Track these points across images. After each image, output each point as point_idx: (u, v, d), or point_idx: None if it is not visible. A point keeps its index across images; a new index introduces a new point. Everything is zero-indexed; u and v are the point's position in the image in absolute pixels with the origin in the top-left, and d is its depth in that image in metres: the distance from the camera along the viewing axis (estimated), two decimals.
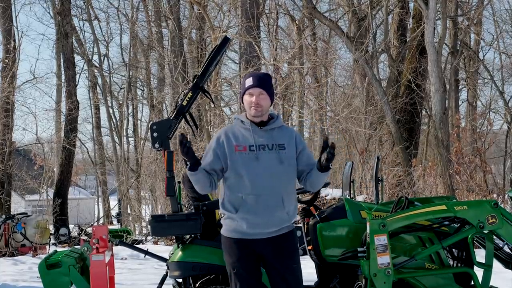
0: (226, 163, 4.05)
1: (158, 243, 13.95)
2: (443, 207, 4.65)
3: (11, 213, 15.96)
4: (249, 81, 4.11)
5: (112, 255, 5.55)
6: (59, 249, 9.86)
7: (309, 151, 4.22)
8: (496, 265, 4.90)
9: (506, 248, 5.06)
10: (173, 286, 5.13)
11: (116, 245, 5.73)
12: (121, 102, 30.54)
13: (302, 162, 4.10)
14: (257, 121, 4.11)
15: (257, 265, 4.09)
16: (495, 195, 13.69)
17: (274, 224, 4.02)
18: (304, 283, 4.19)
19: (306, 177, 4.10)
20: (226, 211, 4.10)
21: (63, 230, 16.85)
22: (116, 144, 28.62)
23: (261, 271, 4.13)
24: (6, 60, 18.88)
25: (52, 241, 15.63)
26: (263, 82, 4.11)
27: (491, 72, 23.95)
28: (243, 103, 4.19)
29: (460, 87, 24.48)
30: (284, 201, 4.03)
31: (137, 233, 18.82)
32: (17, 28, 24.42)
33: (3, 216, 14.21)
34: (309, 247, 4.99)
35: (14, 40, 20.03)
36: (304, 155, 4.11)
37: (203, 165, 4.06)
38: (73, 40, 23.46)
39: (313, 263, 5.10)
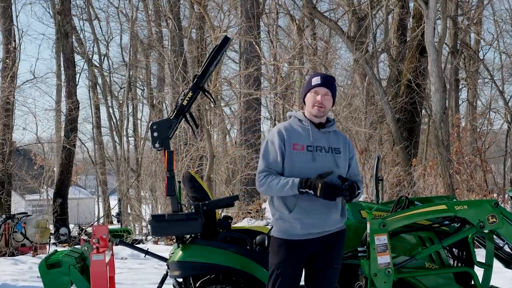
0: (284, 159, 3.99)
1: (158, 242, 13.96)
2: (443, 206, 4.65)
3: (11, 213, 15.97)
4: (316, 80, 4.07)
5: (112, 255, 5.55)
6: (59, 248, 9.87)
7: (356, 162, 4.20)
8: (497, 264, 4.90)
9: (506, 248, 5.06)
10: (174, 286, 5.13)
11: (116, 244, 5.74)
12: (121, 102, 30.54)
13: (347, 171, 4.11)
14: (316, 121, 4.06)
15: (301, 269, 4.06)
16: (495, 195, 13.70)
17: (328, 225, 4.00)
18: None
19: None
20: (277, 211, 4.02)
21: (63, 230, 16.86)
22: (116, 144, 28.62)
23: (301, 277, 4.09)
24: (7, 60, 18.88)
25: (52, 240, 15.64)
26: (330, 83, 4.08)
27: (491, 72, 23.93)
28: (304, 101, 4.13)
29: (460, 86, 24.48)
30: (337, 203, 4.02)
31: (137, 232, 18.82)
32: (17, 27, 24.46)
33: (3, 216, 14.22)
34: None
35: (15, 40, 20.04)
36: (351, 165, 4.12)
37: (269, 163, 3.98)
38: (73, 39, 23.47)
39: None
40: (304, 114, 4.11)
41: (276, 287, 3.97)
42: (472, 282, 4.76)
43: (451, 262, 4.93)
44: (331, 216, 3.99)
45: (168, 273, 5.00)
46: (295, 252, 3.98)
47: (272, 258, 4.06)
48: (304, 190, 3.82)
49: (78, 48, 28.49)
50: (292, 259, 3.98)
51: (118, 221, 20.31)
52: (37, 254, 13.11)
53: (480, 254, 4.76)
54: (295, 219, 3.94)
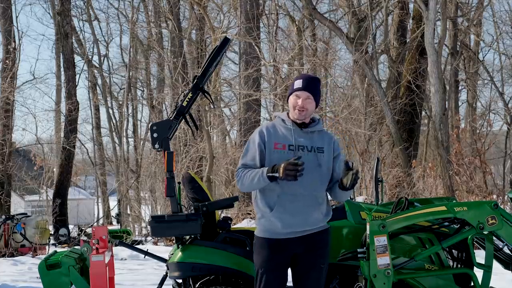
0: (265, 159, 4.03)
1: (158, 243, 13.97)
2: (443, 208, 4.65)
3: (11, 214, 15.96)
4: (298, 83, 4.11)
5: (112, 256, 5.55)
6: (59, 249, 9.88)
7: (343, 159, 4.17)
8: (496, 266, 4.90)
9: (506, 249, 5.06)
10: (173, 287, 5.13)
11: (116, 245, 5.74)
12: (121, 103, 30.53)
13: (334, 169, 4.12)
14: (299, 122, 4.11)
15: (286, 268, 4.09)
16: (494, 196, 13.70)
17: (309, 224, 4.03)
18: None
19: (331, 189, 4.14)
20: (260, 211, 4.07)
21: (62, 231, 16.85)
22: (116, 145, 28.62)
23: (287, 277, 4.13)
24: (7, 61, 18.88)
25: (52, 241, 15.63)
26: (312, 86, 4.12)
27: (491, 73, 23.94)
28: (287, 102, 4.18)
29: (460, 88, 24.47)
30: (319, 202, 4.06)
31: (136, 233, 18.83)
32: (17, 28, 24.46)
33: (3, 217, 14.21)
34: None
35: (14, 41, 20.04)
36: (336, 163, 4.13)
37: (247, 160, 4.05)
38: (73, 40, 23.46)
39: None
40: (288, 114, 4.16)
41: (262, 286, 4.01)
42: (472, 284, 4.76)
43: (451, 263, 4.93)
44: (312, 215, 4.03)
45: (168, 274, 5.00)
46: (277, 252, 4.02)
47: (256, 257, 4.11)
48: (271, 175, 3.87)
49: (78, 48, 28.49)
50: (275, 258, 4.02)
51: (118, 222, 20.31)
52: (36, 255, 13.11)
53: (480, 256, 4.75)
54: (276, 218, 3.99)
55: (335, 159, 4.13)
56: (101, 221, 25.23)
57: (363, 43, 16.42)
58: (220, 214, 5.31)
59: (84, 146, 33.53)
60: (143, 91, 30.55)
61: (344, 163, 3.93)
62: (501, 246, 5.02)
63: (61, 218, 18.93)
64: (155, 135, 4.98)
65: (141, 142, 27.61)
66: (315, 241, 4.05)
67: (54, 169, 22.60)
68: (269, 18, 21.36)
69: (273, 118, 4.27)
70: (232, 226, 5.15)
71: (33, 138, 25.92)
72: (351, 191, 4.05)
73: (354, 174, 3.89)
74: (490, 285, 4.75)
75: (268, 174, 3.88)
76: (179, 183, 5.22)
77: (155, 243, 14.00)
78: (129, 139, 30.43)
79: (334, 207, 5.10)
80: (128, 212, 22.42)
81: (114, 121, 29.81)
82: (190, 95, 5.09)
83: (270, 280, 4.01)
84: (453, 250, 4.93)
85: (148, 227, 6.77)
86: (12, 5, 20.91)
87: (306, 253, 4.04)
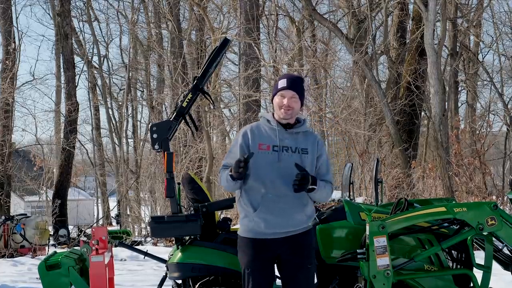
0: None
1: (158, 244, 13.96)
2: (443, 209, 4.66)
3: (11, 214, 15.96)
4: (282, 83, 4.12)
5: (111, 256, 5.56)
6: (58, 250, 9.88)
7: (325, 160, 4.17)
8: (496, 267, 4.91)
9: (505, 250, 5.06)
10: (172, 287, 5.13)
11: (116, 246, 5.75)
12: (120, 103, 30.50)
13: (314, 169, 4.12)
14: (284, 122, 4.11)
15: (271, 267, 4.10)
16: (494, 197, 13.70)
17: (292, 225, 4.03)
18: None
19: None
20: (243, 210, 4.09)
21: (62, 231, 16.84)
22: (116, 145, 28.61)
23: (274, 275, 4.14)
24: (7, 62, 18.89)
25: (52, 242, 15.62)
26: (296, 85, 4.12)
27: (491, 74, 23.96)
28: (272, 102, 4.19)
29: (460, 89, 24.49)
30: (304, 203, 4.06)
31: (136, 234, 18.82)
32: (17, 29, 24.43)
33: (3, 217, 14.21)
34: None
35: (14, 41, 20.05)
36: (317, 162, 4.12)
37: (228, 161, 4.08)
38: (73, 41, 23.46)
39: None
40: (273, 115, 4.17)
41: (251, 286, 4.02)
42: (471, 284, 4.77)
43: (450, 264, 4.93)
44: (296, 216, 4.03)
45: (167, 275, 5.01)
46: (261, 251, 4.03)
47: (241, 257, 4.12)
48: (230, 174, 3.96)
49: (77, 49, 28.48)
50: (260, 258, 4.04)
51: (117, 223, 20.33)
52: (36, 256, 13.10)
53: (479, 256, 4.76)
54: (259, 218, 4.00)
55: (318, 159, 4.12)
56: (100, 222, 25.20)
57: (362, 44, 16.42)
58: (220, 214, 5.32)
59: (84, 147, 33.57)
60: (143, 91, 30.55)
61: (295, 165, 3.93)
62: (500, 247, 5.02)
63: (60, 218, 18.91)
64: (155, 135, 4.99)
65: (141, 143, 27.56)
66: (298, 242, 4.05)
67: (54, 170, 22.58)
68: (269, 19, 21.36)
69: (259, 118, 4.28)
70: (231, 227, 5.15)
71: (33, 138, 25.89)
72: (316, 193, 4.02)
73: (297, 178, 3.87)
74: (490, 286, 4.75)
75: (229, 174, 3.95)
76: (178, 183, 5.22)
77: (155, 244, 13.99)
78: (129, 140, 30.43)
79: (334, 208, 5.11)
80: (128, 212, 22.40)
81: (114, 122, 29.80)
82: (190, 95, 5.10)
83: (258, 279, 4.02)
84: (453, 251, 4.93)
85: (148, 227, 6.78)
86: (12, 6, 20.94)
87: (292, 255, 4.04)
